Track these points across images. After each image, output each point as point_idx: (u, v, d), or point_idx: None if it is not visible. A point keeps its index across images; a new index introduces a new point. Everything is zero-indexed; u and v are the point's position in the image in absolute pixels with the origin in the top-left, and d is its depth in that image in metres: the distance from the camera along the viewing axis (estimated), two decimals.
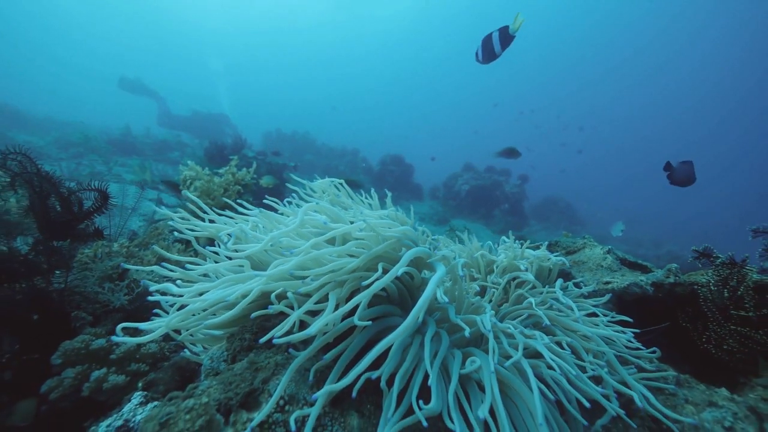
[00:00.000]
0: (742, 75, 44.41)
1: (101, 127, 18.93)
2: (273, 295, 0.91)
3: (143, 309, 1.77)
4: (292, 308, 0.89)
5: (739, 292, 1.59)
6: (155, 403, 1.25)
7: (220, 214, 1.39)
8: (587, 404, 0.96)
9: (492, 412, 0.85)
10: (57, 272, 1.60)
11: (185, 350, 1.36)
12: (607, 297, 1.59)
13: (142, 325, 0.94)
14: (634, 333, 1.51)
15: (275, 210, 1.52)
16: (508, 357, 1.00)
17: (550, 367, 1.03)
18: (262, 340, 0.83)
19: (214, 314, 1.11)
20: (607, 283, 1.80)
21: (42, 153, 12.28)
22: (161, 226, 3.32)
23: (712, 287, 1.67)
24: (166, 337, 1.65)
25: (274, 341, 0.80)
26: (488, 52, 2.96)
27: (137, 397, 1.27)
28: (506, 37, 2.88)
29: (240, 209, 1.48)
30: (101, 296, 1.64)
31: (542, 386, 0.98)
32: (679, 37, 45.91)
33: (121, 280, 1.79)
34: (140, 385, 1.37)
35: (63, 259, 1.62)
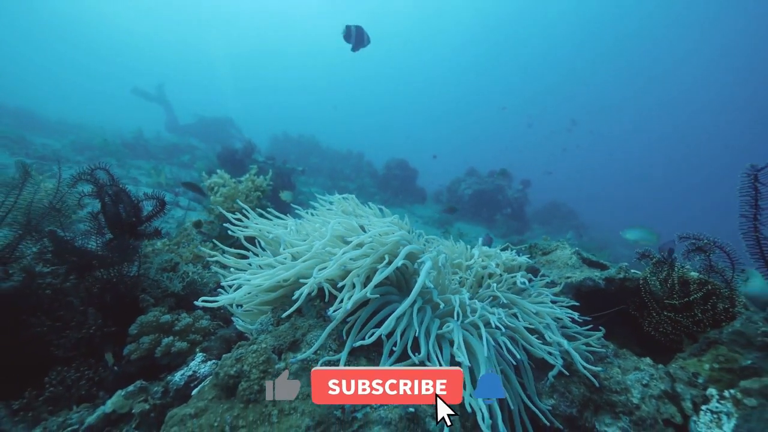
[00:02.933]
0: (747, 78, 44.52)
1: (113, 130, 19.49)
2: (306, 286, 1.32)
3: (192, 294, 2.19)
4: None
5: (669, 285, 1.98)
6: (213, 360, 1.67)
7: (263, 217, 1.80)
8: (519, 356, 1.36)
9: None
10: (129, 263, 2.02)
11: (233, 323, 1.78)
12: (562, 285, 1.99)
13: (220, 298, 1.37)
14: (590, 317, 1.93)
15: (300, 216, 1.93)
16: (474, 324, 1.41)
17: (505, 335, 1.44)
18: (332, 312, 1.24)
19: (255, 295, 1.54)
20: (568, 277, 2.20)
21: (60, 156, 12.81)
22: (188, 228, 3.76)
23: (649, 281, 2.07)
24: (213, 317, 2.08)
25: (330, 315, 1.22)
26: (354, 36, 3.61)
27: (199, 357, 1.68)
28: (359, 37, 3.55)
29: (269, 216, 1.89)
30: (162, 284, 2.06)
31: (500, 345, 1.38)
32: (684, 42, 46.14)
33: (174, 272, 2.22)
34: (198, 350, 1.78)
35: (131, 253, 2.04)
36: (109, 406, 1.43)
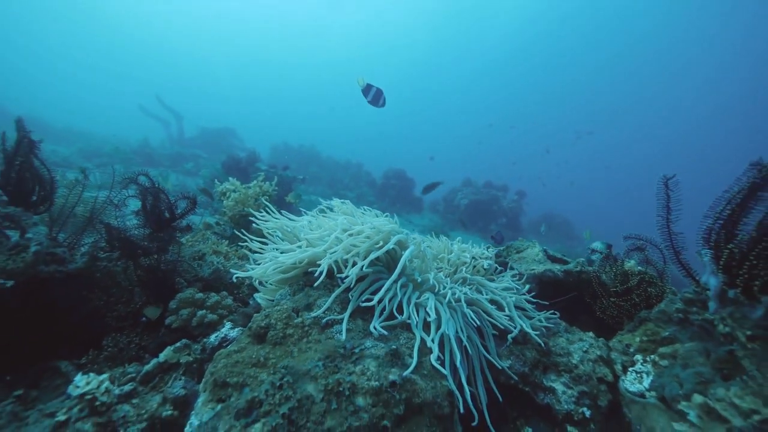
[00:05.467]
0: (749, 90, 45.52)
1: (119, 138, 20.00)
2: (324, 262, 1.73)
3: (215, 280, 2.60)
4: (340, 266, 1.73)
5: (613, 276, 2.40)
6: (239, 328, 2.08)
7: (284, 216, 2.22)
8: (478, 322, 1.77)
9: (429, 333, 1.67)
10: (166, 252, 2.43)
11: (254, 298, 2.18)
12: (526, 276, 2.41)
13: (251, 272, 1.78)
14: (548, 302, 2.35)
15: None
16: (444, 295, 1.82)
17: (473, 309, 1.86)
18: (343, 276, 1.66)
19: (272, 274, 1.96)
20: (533, 270, 2.62)
21: (69, 162, 13.25)
22: (203, 230, 4.17)
23: (599, 273, 2.49)
24: (234, 299, 2.49)
25: (342, 279, 1.64)
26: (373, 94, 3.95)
27: (228, 325, 2.09)
28: (376, 97, 3.92)
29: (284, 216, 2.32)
30: (194, 270, 2.47)
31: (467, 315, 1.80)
32: (684, 53, 47.28)
33: (202, 260, 2.63)
34: (225, 321, 2.19)
35: (169, 243, 2.46)
36: (161, 357, 1.83)
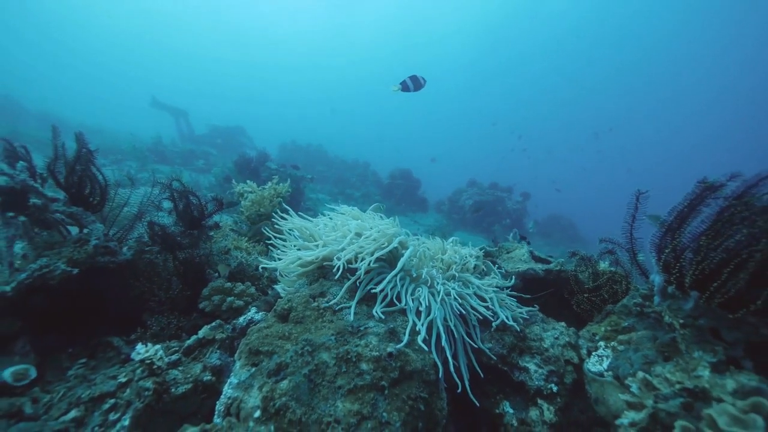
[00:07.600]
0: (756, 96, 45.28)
1: (135, 134, 20.54)
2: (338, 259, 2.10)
3: (240, 272, 2.98)
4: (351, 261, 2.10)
5: (587, 275, 2.74)
6: (263, 312, 2.45)
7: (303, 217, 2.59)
8: (462, 312, 2.13)
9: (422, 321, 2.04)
10: (197, 248, 2.82)
11: (273, 289, 2.56)
12: (513, 274, 2.76)
13: (276, 264, 2.16)
14: (530, 297, 2.69)
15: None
16: (439, 291, 2.18)
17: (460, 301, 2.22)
18: (337, 276, 2.02)
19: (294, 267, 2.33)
20: (517, 268, 2.97)
21: None
22: (223, 227, 4.55)
23: (577, 273, 2.83)
24: (256, 289, 2.86)
25: (357, 270, 2.00)
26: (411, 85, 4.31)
27: (253, 309, 2.47)
28: (416, 83, 4.27)
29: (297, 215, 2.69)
30: (223, 262, 2.86)
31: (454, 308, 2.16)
32: (700, 57, 47.02)
33: (227, 255, 3.01)
34: (250, 307, 2.57)
35: (200, 239, 2.84)
36: (200, 334, 2.21)
